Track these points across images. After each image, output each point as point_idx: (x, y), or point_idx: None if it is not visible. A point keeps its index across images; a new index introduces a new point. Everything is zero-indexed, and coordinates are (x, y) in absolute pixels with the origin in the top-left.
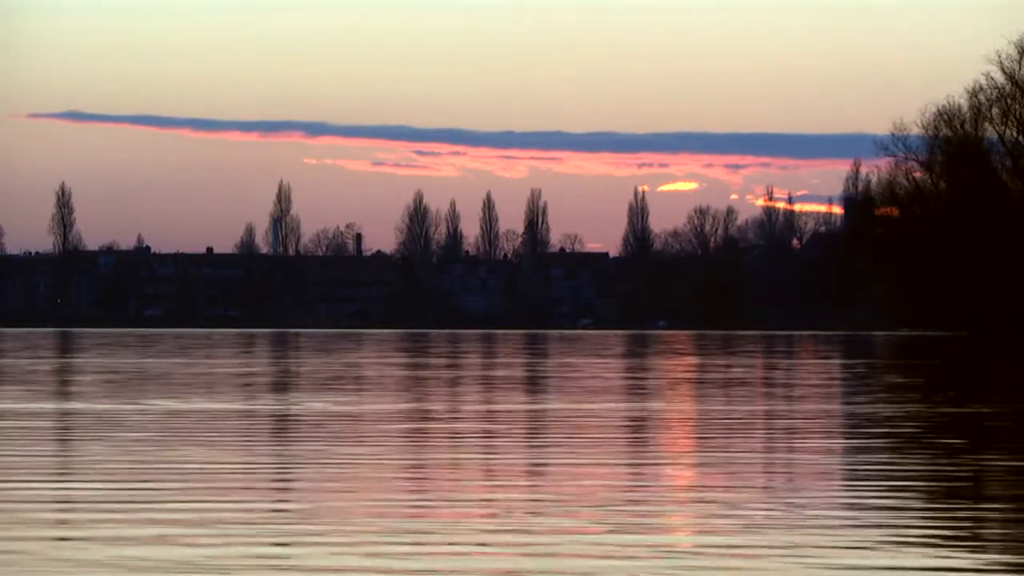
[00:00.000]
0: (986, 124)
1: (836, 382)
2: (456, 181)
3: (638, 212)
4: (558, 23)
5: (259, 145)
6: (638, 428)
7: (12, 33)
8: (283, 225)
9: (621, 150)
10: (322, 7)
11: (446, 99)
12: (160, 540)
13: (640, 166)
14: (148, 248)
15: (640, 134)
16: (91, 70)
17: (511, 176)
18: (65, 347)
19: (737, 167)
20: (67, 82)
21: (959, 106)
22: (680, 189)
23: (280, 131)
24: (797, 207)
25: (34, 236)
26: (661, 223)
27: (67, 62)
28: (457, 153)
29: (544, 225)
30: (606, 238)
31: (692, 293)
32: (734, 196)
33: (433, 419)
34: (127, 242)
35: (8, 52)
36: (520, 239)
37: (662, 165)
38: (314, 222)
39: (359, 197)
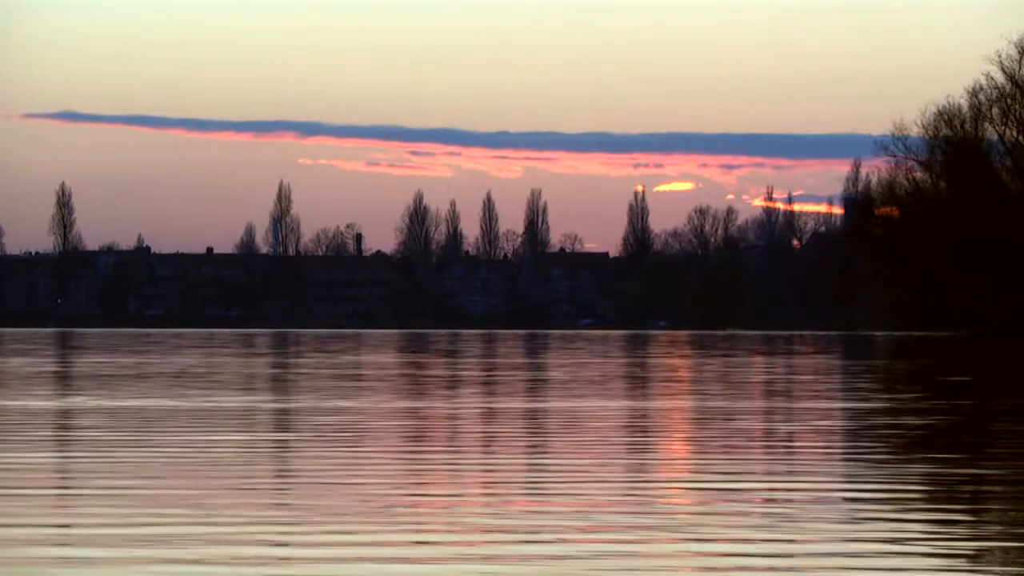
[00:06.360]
0: (986, 124)
1: (833, 382)
2: (451, 181)
3: (638, 212)
4: (553, 23)
5: (253, 145)
6: (633, 427)
7: (6, 33)
8: (283, 225)
9: (616, 150)
10: (315, 8)
11: (440, 99)
12: (155, 539)
13: (635, 166)
14: (148, 248)
15: (635, 134)
16: (85, 70)
17: (506, 176)
18: (67, 347)
19: (732, 167)
20: (61, 82)
21: (959, 106)
22: (676, 189)
23: (273, 131)
24: (796, 207)
25: (34, 236)
26: (657, 223)
27: (61, 62)
28: (452, 153)
29: (544, 225)
30: (602, 238)
31: (692, 293)
32: (730, 196)
33: (432, 419)
34: (127, 242)
35: (2, 52)
36: (520, 239)
37: (657, 166)
38: (310, 222)
39: (354, 197)
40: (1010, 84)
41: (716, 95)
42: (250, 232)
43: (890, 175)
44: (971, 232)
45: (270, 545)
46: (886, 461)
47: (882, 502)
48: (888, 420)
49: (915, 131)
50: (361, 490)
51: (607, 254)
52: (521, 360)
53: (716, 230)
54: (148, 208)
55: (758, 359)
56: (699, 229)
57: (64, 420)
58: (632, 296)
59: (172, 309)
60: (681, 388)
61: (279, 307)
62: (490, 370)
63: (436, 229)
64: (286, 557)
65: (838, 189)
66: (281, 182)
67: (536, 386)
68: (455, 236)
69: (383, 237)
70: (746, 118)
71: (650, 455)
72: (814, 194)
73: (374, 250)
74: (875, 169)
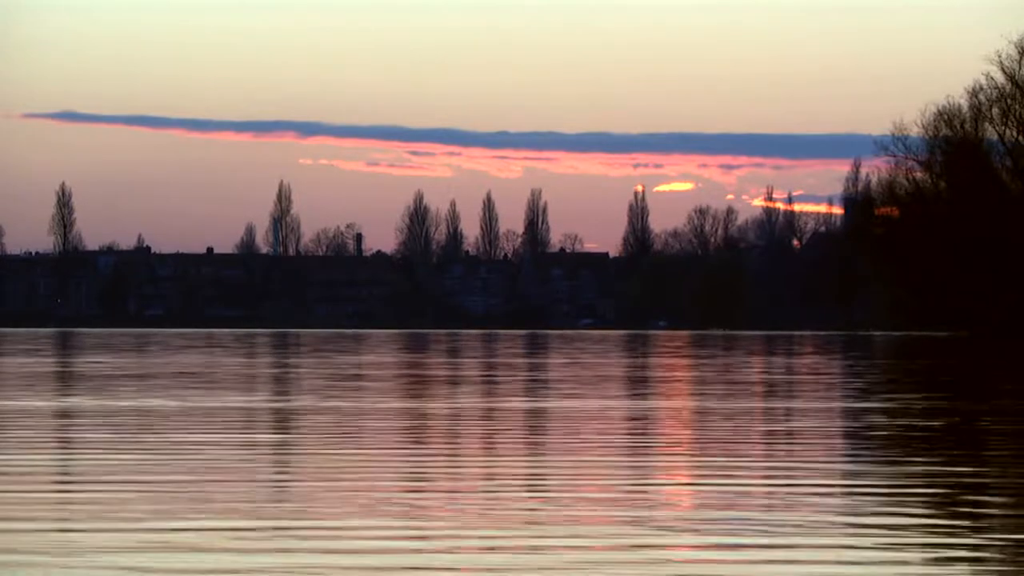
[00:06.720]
0: (986, 124)
1: (833, 382)
2: (451, 181)
3: (638, 212)
4: (553, 23)
5: (253, 145)
6: (632, 427)
7: (6, 33)
8: (283, 225)
9: (616, 150)
10: (315, 8)
11: (440, 99)
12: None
13: (635, 166)
14: (148, 248)
15: (635, 134)
16: (85, 70)
17: (506, 176)
18: (67, 347)
19: (732, 167)
20: (61, 82)
21: (959, 106)
22: (675, 189)
23: (273, 131)
24: (796, 207)
25: (34, 236)
26: (657, 223)
27: (61, 62)
28: (452, 153)
29: (544, 225)
30: (602, 238)
31: (692, 293)
32: (730, 196)
33: (432, 418)
34: (127, 242)
35: (2, 52)
36: (520, 239)
37: (656, 166)
38: (310, 222)
39: (354, 197)
40: (1010, 84)
41: (716, 95)
42: (250, 232)
43: (890, 175)
44: (971, 232)
45: (271, 552)
46: (885, 461)
47: (881, 503)
48: (887, 420)
49: (915, 131)
50: (361, 490)
51: (607, 254)
52: (521, 360)
53: (716, 230)
54: (148, 208)
55: (755, 359)
56: (699, 229)
57: (64, 421)
58: (632, 296)
59: (172, 309)
60: (679, 388)
61: (279, 307)
62: (489, 370)
63: (436, 229)
64: (286, 561)
65: (838, 189)
66: (281, 182)
67: (535, 386)
68: (455, 236)
69: (383, 237)
70: (746, 118)
71: (648, 455)
72: (814, 194)
73: (374, 250)
74: (875, 169)
